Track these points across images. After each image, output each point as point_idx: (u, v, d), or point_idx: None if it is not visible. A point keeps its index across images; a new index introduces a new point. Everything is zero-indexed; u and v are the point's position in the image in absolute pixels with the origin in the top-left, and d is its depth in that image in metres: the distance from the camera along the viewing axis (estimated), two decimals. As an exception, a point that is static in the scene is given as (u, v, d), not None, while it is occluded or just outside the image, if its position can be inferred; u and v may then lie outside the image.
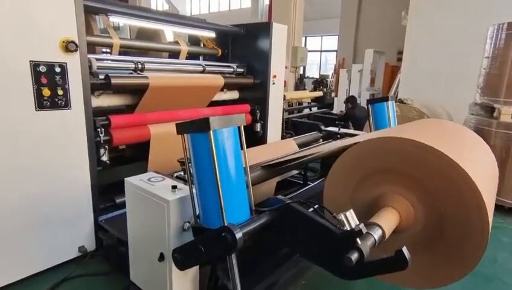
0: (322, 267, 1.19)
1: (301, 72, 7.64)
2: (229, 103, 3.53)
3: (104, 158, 2.26)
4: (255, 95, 3.57)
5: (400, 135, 1.37)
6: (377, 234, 1.17)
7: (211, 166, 1.16)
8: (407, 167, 1.34)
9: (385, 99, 2.77)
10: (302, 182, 3.16)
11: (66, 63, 1.92)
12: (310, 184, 3.15)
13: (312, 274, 2.07)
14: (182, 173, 1.78)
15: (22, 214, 1.92)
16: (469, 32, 5.10)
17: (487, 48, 3.43)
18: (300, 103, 6.81)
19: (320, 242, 1.15)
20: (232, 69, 3.36)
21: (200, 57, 3.77)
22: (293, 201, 1.22)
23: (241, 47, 3.60)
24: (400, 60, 9.10)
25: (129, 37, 5.52)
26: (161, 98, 2.64)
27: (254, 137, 3.58)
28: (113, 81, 2.27)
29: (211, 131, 1.12)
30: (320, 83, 6.56)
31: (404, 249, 0.99)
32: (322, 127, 5.29)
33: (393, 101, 2.80)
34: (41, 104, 1.85)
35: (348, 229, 1.07)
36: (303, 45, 10.35)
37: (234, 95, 3.55)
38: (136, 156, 2.95)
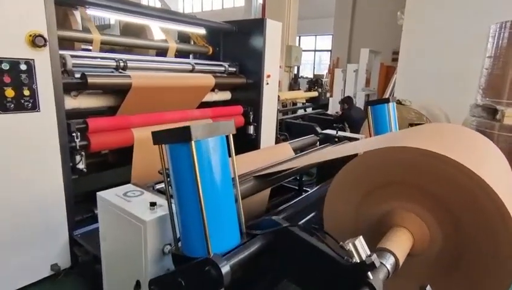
0: (325, 302, 1.00)
1: (295, 72, 7.45)
2: (220, 104, 3.34)
3: (81, 166, 2.04)
4: (247, 96, 3.37)
5: (410, 144, 1.19)
6: (389, 262, 0.99)
7: (193, 183, 0.96)
8: (420, 181, 1.16)
9: (386, 101, 2.60)
10: (297, 188, 2.98)
11: (33, 60, 1.70)
12: (306, 190, 2.97)
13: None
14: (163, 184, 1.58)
15: (-17, 231, 1.71)
16: (467, 32, 4.98)
17: (489, 47, 3.29)
18: (294, 103, 6.64)
19: (323, 274, 0.97)
20: (223, 68, 3.17)
21: (190, 56, 3.58)
22: (292, 225, 1.03)
23: (233, 45, 3.40)
24: (394, 60, 9.01)
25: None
26: (146, 99, 2.43)
27: (247, 140, 3.38)
28: (90, 80, 2.05)
29: (193, 142, 0.93)
30: (315, 83, 6.40)
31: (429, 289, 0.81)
32: (318, 129, 5.14)
33: (394, 103, 2.64)
34: (3, 106, 1.63)
35: (358, 261, 0.88)
36: (297, 44, 10.18)
37: (226, 95, 3.35)
38: (120, 161, 2.74)
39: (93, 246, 1.91)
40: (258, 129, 3.39)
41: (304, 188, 3.01)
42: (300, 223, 2.39)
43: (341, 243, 0.90)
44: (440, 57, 5.26)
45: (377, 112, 2.63)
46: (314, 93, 6.17)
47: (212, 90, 3.04)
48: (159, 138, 1.01)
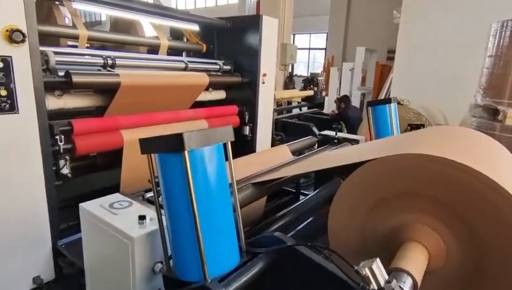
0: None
1: (290, 70, 7.34)
2: (214, 104, 3.21)
3: (65, 171, 1.90)
4: (243, 95, 3.25)
5: (423, 151, 1.09)
6: (407, 285, 0.88)
7: (186, 197, 0.85)
8: (436, 191, 1.06)
9: (387, 101, 2.51)
10: (294, 191, 2.88)
11: (10, 57, 1.56)
12: (303, 193, 2.87)
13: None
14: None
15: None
16: (464, 31, 4.93)
17: (490, 46, 3.23)
18: (289, 103, 6.53)
19: (334, 300, 0.86)
20: (218, 67, 3.04)
21: (183, 53, 3.44)
22: (298, 243, 0.92)
23: (227, 42, 3.27)
24: (390, 58, 8.97)
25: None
26: (136, 99, 2.29)
27: (242, 141, 3.26)
28: (75, 79, 1.91)
29: (186, 151, 0.81)
30: (310, 81, 6.29)
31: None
32: (315, 129, 5.05)
33: (396, 104, 2.55)
34: (-23, 107, 1.49)
35: (376, 288, 0.77)
36: (292, 42, 10.08)
37: (220, 95, 3.22)
38: (109, 164, 2.60)
39: (79, 257, 1.76)
40: (253, 130, 3.27)
41: (302, 191, 2.92)
42: (300, 227, 2.29)
43: (356, 267, 0.79)
44: (437, 56, 5.21)
45: (378, 112, 2.54)
46: (310, 92, 6.06)
47: (206, 89, 2.91)
48: (147, 146, 0.89)
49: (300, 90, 6.30)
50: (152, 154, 0.92)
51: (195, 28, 3.05)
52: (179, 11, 3.04)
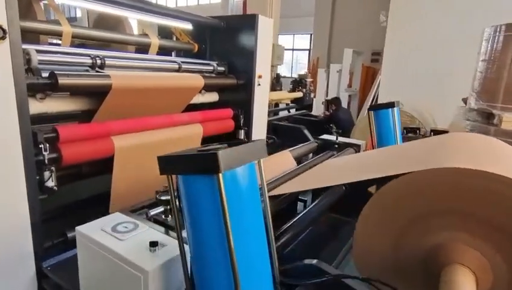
0: None
1: (277, 72, 7.27)
2: (206, 107, 3.06)
3: (51, 183, 1.70)
4: (237, 98, 3.12)
5: (458, 163, 1.00)
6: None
7: (218, 225, 0.71)
8: (477, 208, 0.98)
9: (390, 105, 2.45)
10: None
11: (-12, 55, 1.36)
12: (301, 199, 2.78)
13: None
14: (159, 209, 1.30)
15: None
16: (452, 33, 5.01)
17: (483, 51, 3.25)
18: (276, 105, 6.44)
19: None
20: (212, 68, 2.89)
21: (172, 53, 3.27)
22: (344, 275, 0.80)
23: (221, 42, 3.13)
24: (374, 60, 9.09)
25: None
26: (127, 103, 2.11)
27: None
28: (62, 80, 1.71)
29: (221, 174, 0.67)
30: (299, 83, 6.23)
31: None
32: (306, 132, 4.97)
33: (399, 108, 2.50)
34: None
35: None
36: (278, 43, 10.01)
37: (213, 97, 3.07)
38: (96, 171, 2.40)
39: (66, 280, 1.59)
40: (249, 133, 3.15)
41: (300, 197, 2.82)
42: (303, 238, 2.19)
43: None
44: (424, 58, 5.28)
45: (380, 117, 2.47)
46: (299, 94, 6.01)
47: (199, 91, 2.76)
48: (169, 166, 0.75)
49: (289, 91, 6.24)
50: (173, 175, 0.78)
51: (188, 26, 2.89)
52: (171, 8, 2.86)
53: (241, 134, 3.11)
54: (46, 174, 1.68)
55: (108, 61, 2.06)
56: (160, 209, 1.30)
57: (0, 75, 1.41)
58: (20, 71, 1.48)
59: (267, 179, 1.70)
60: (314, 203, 2.57)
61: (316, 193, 2.44)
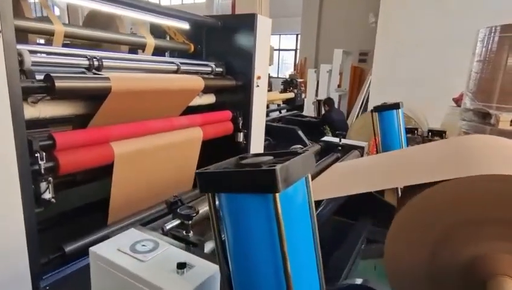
0: None
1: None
2: (203, 109, 2.96)
3: (48, 195, 1.57)
4: (235, 99, 3.03)
5: (494, 170, 0.96)
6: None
7: (271, 248, 0.64)
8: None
9: (395, 106, 2.42)
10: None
11: (-21, 57, 1.23)
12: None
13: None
14: (175, 222, 1.21)
15: None
16: (442, 33, 5.09)
17: (478, 51, 3.30)
18: (267, 105, 6.38)
19: None
20: (210, 69, 2.80)
21: (166, 54, 3.15)
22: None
23: (217, 42, 3.04)
24: (362, 60, 9.19)
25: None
26: (126, 106, 2.00)
27: (236, 149, 3.05)
28: (59, 83, 1.59)
29: (278, 194, 0.60)
30: (290, 83, 6.20)
31: None
32: (300, 133, 4.93)
33: (403, 109, 2.47)
34: None
35: None
36: (264, 43, 9.94)
37: (210, 99, 2.97)
38: (92, 177, 2.28)
39: (68, 300, 1.48)
40: (248, 136, 3.07)
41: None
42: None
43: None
44: (414, 58, 5.35)
45: (384, 118, 2.44)
46: (291, 94, 5.98)
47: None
48: (211, 183, 0.66)
49: (281, 92, 6.20)
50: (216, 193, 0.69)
51: (185, 26, 2.78)
52: (166, 6, 2.75)
53: (240, 136, 3.03)
54: (43, 185, 1.55)
55: (106, 63, 1.94)
56: (176, 222, 1.21)
57: (-6, 78, 1.28)
58: (15, 74, 1.36)
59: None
60: (321, 208, 2.53)
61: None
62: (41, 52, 1.73)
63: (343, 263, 2.13)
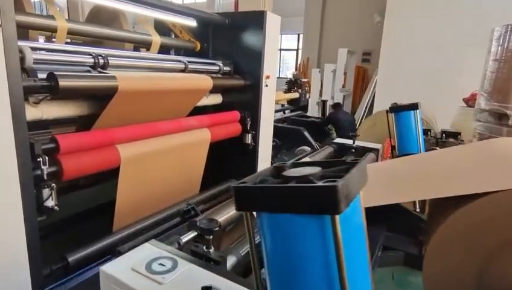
0: None
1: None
2: (210, 110, 2.85)
3: (51, 202, 1.47)
4: (243, 99, 2.93)
5: None
6: None
7: (327, 275, 0.53)
8: None
9: (412, 107, 2.33)
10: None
11: (-23, 53, 1.13)
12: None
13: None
14: (191, 235, 1.11)
15: None
16: (451, 33, 4.99)
17: (493, 50, 3.20)
18: (270, 105, 6.26)
19: None
20: (217, 68, 2.69)
21: (171, 52, 3.04)
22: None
23: (224, 40, 2.94)
24: (365, 60, 9.09)
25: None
26: (132, 107, 1.89)
27: (244, 151, 2.94)
28: (62, 82, 1.48)
29: (338, 216, 0.50)
30: (294, 83, 6.09)
31: None
32: (306, 134, 4.83)
33: (421, 110, 2.38)
34: None
35: None
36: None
37: (217, 99, 2.86)
38: (94, 181, 2.18)
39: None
40: (256, 138, 2.97)
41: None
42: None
43: None
44: (421, 58, 5.25)
45: (401, 119, 2.35)
46: (295, 95, 5.87)
47: (205, 93, 2.56)
48: (251, 200, 0.56)
49: (285, 92, 6.09)
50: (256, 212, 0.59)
51: (192, 23, 2.67)
52: (173, 3, 2.64)
53: (248, 138, 2.92)
54: (45, 191, 1.45)
55: (112, 61, 1.83)
56: (193, 234, 1.11)
57: (-7, 76, 1.17)
58: (16, 72, 1.25)
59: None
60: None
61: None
62: (43, 50, 1.62)
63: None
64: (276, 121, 5.49)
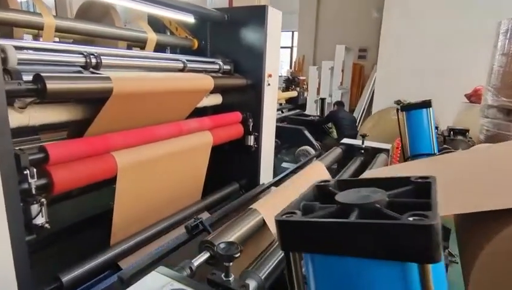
0: None
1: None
2: (209, 111, 2.71)
3: (40, 219, 1.31)
4: (244, 100, 2.78)
5: None
6: None
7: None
8: None
9: (425, 105, 2.22)
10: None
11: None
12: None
13: None
14: (202, 257, 0.97)
15: None
16: (451, 28, 4.91)
17: (500, 44, 3.10)
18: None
19: None
20: (217, 67, 2.54)
21: (166, 51, 2.89)
22: None
23: (223, 38, 2.79)
24: (361, 57, 8.99)
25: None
26: (129, 110, 1.74)
27: (246, 153, 2.80)
28: (50, 85, 1.32)
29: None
30: (292, 81, 5.96)
31: None
32: (306, 133, 4.71)
33: (433, 108, 2.27)
34: None
35: None
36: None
37: (217, 99, 2.72)
38: (90, 188, 2.04)
39: None
40: (258, 139, 2.83)
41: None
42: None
43: None
44: (421, 54, 5.17)
45: (413, 118, 2.24)
46: (294, 93, 5.74)
47: (205, 93, 2.41)
48: (305, 238, 0.42)
49: (283, 91, 5.95)
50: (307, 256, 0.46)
51: (189, 19, 2.52)
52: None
53: (251, 140, 2.78)
54: (34, 207, 1.29)
55: (105, 61, 1.68)
56: (205, 256, 0.97)
57: (-32, 79, 1.02)
58: (-3, 74, 1.10)
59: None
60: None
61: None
62: (29, 49, 1.47)
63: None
64: (276, 120, 5.36)
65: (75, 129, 1.69)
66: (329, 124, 5.33)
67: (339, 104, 5.34)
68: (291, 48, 13.90)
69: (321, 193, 0.57)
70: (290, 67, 12.11)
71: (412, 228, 0.36)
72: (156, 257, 1.10)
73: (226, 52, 2.77)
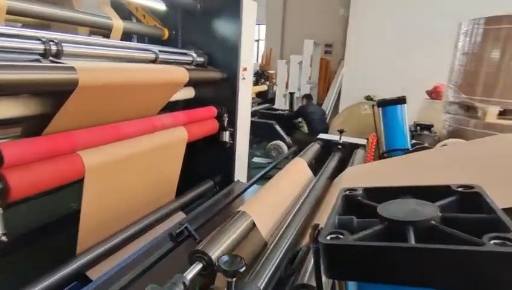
0: None
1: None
2: (180, 105, 2.58)
3: (-5, 232, 1.13)
4: (218, 94, 2.67)
5: None
6: None
7: None
8: None
9: (400, 101, 2.26)
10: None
11: None
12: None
13: None
14: (195, 268, 0.88)
15: None
16: (413, 26, 5.12)
17: (461, 44, 3.28)
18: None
19: None
20: (190, 59, 2.40)
21: (133, 39, 2.69)
22: None
23: (196, 28, 2.64)
24: (327, 52, 9.15)
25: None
26: (96, 104, 1.57)
27: (221, 149, 2.70)
28: (3, 75, 1.14)
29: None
30: (261, 75, 5.90)
31: None
32: (277, 127, 4.69)
33: (407, 104, 2.32)
34: None
35: None
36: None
37: (189, 93, 2.59)
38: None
39: None
40: (234, 135, 2.74)
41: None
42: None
43: None
44: (385, 51, 5.34)
45: (388, 113, 2.28)
46: (264, 87, 5.70)
47: (178, 87, 2.27)
48: (356, 265, 0.36)
49: (253, 85, 5.88)
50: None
51: (159, 6, 2.35)
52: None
53: (226, 136, 2.69)
54: (-13, 218, 1.11)
55: (66, 48, 1.49)
56: (198, 267, 0.88)
57: None
58: None
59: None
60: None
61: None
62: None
63: None
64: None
65: (32, 126, 1.49)
66: (299, 119, 5.36)
67: (308, 97, 5.38)
68: (258, 40, 13.84)
69: (349, 202, 0.51)
70: (257, 60, 12.06)
71: (501, 256, 0.31)
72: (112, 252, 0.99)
73: (199, 43, 2.63)
